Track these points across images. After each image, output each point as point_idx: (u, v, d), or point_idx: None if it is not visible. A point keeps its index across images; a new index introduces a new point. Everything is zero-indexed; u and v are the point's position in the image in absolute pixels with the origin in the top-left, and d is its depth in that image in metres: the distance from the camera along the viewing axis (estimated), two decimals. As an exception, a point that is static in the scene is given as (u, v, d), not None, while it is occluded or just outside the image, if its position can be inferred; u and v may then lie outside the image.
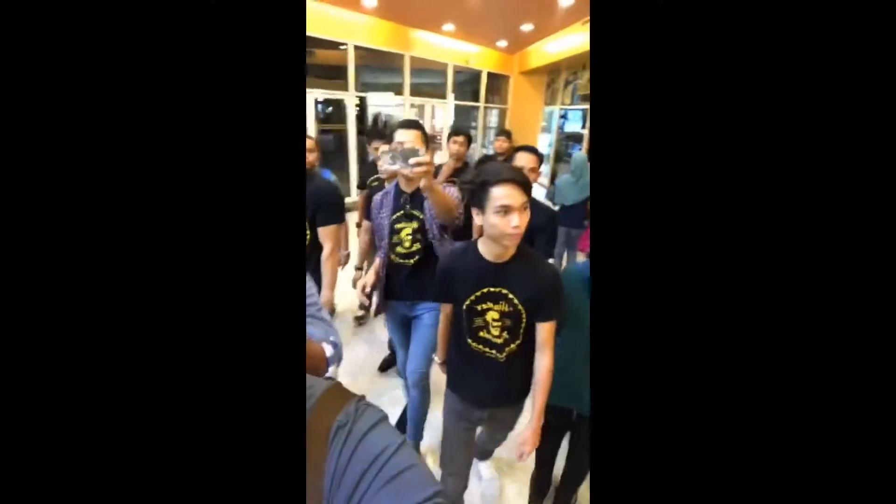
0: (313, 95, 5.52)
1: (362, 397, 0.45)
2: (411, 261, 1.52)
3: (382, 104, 6.71)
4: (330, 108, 6.12)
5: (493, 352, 1.16)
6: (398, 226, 1.50)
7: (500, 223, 0.98)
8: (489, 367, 1.17)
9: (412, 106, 7.06)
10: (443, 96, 7.60)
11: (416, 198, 1.47)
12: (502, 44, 7.51)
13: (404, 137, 1.36)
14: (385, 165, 1.18)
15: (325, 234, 1.66)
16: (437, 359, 1.40)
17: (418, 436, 1.78)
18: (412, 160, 1.17)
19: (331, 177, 2.38)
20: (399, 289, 1.57)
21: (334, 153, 6.02)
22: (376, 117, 6.70)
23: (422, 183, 1.23)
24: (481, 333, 1.15)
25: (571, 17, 5.32)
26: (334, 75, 5.80)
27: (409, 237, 1.50)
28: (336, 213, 1.70)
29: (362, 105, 6.27)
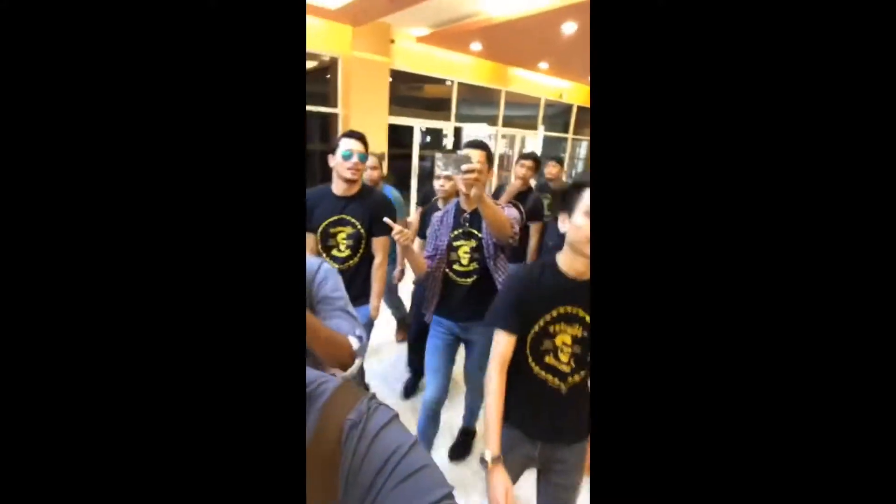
0: (418, 125, 6.25)
1: (373, 395, 0.46)
2: (469, 280, 1.53)
3: (476, 134, 7.31)
4: (429, 138, 6.82)
5: (556, 380, 1.07)
6: (457, 243, 1.52)
7: (588, 224, 0.93)
8: (547, 397, 1.08)
9: (503, 136, 7.57)
10: (533, 127, 8.02)
11: (476, 217, 1.48)
12: (595, 80, 7.80)
13: (466, 151, 1.37)
14: (438, 171, 1.21)
15: (377, 244, 1.72)
16: (486, 456, 1.22)
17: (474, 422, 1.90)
18: (464, 167, 1.19)
19: (392, 193, 2.49)
20: (453, 307, 1.58)
21: (429, 176, 6.67)
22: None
23: (473, 192, 1.23)
24: (547, 359, 1.06)
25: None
26: (437, 107, 6.51)
27: (467, 255, 1.51)
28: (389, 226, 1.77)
29: (458, 135, 6.89)
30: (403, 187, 5.95)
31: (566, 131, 8.73)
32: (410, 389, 2.40)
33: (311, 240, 1.70)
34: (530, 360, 1.07)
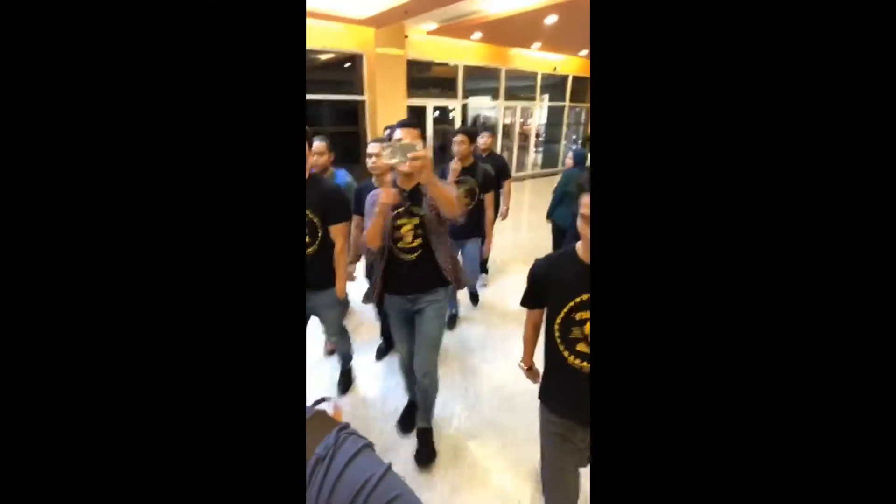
0: (430, 104, 7.31)
1: (345, 426, 0.45)
2: (413, 255, 1.57)
3: (481, 107, 8.32)
4: (437, 113, 7.85)
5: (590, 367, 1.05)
6: (399, 221, 1.53)
7: None
8: (585, 384, 1.04)
9: (506, 108, 8.57)
10: (532, 98, 8.98)
11: (416, 194, 1.50)
12: (584, 52, 8.69)
13: (402, 135, 1.40)
14: (385, 160, 1.24)
15: (335, 231, 1.77)
16: (521, 364, 1.32)
17: (430, 420, 1.83)
18: (410, 154, 1.22)
19: (347, 177, 2.49)
20: (401, 283, 1.62)
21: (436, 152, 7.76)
22: (475, 119, 8.34)
23: (422, 176, 1.28)
24: (579, 346, 1.04)
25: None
26: (446, 87, 7.54)
27: (410, 232, 1.54)
28: (344, 212, 1.80)
29: (464, 110, 7.91)
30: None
31: (564, 100, 9.65)
32: (383, 352, 2.55)
33: None
34: (563, 350, 1.07)
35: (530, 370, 1.32)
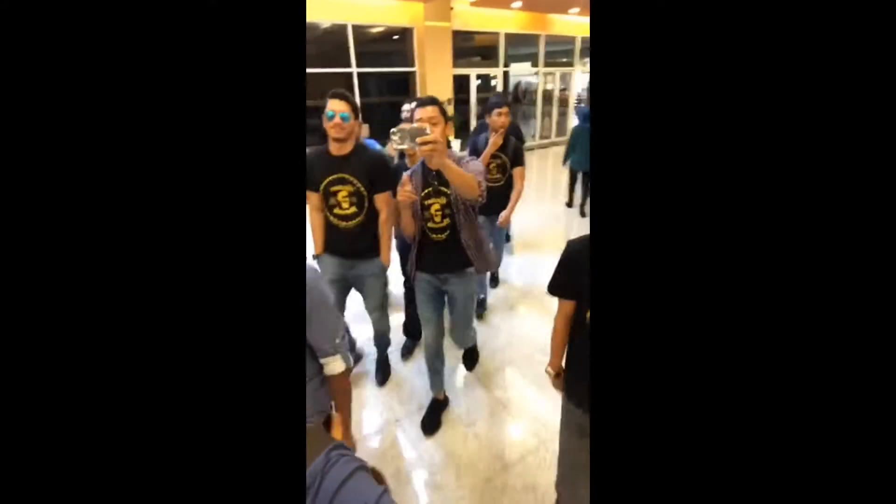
0: (474, 73, 7.80)
1: (337, 445, 0.43)
2: (443, 235, 1.59)
3: (521, 74, 8.69)
4: (479, 81, 8.30)
5: None
6: (428, 202, 1.55)
7: None
8: None
9: (546, 74, 8.89)
10: (570, 64, 9.23)
11: (443, 174, 1.45)
12: (626, 14, 8.80)
13: (420, 115, 1.39)
14: (394, 145, 1.22)
15: (380, 200, 1.77)
16: (549, 371, 1.24)
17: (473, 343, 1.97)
18: (419, 139, 1.20)
19: (376, 146, 2.43)
20: (431, 262, 1.65)
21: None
22: (517, 86, 8.74)
23: (433, 161, 1.24)
24: None
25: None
26: (488, 55, 7.98)
27: (439, 212, 1.55)
28: (388, 180, 1.77)
29: (506, 77, 8.32)
30: (465, 126, 7.64)
31: (603, 63, 9.82)
32: (408, 351, 2.45)
33: (314, 197, 1.76)
34: None
35: (558, 377, 1.21)
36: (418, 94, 6.99)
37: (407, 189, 1.39)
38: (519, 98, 8.89)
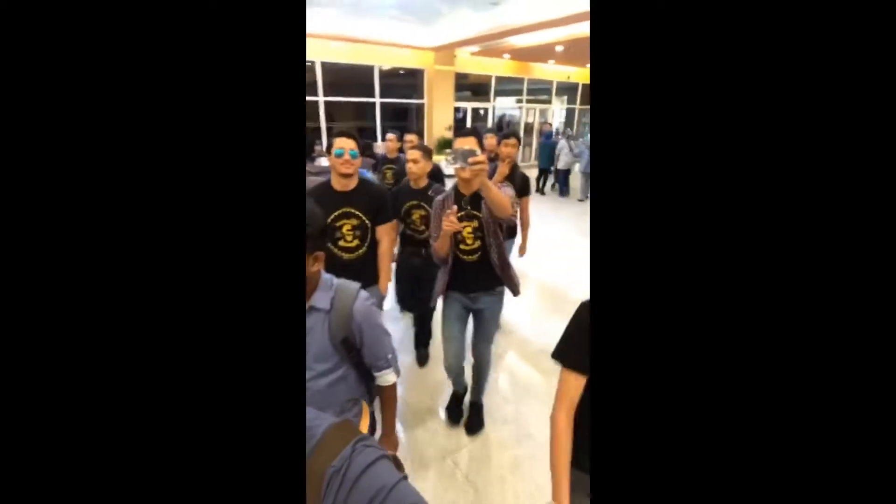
0: (469, 107, 9.65)
1: (363, 437, 0.45)
2: (474, 256, 1.70)
3: (506, 108, 10.57)
4: (470, 111, 10.13)
5: None
6: (461, 224, 1.60)
7: None
8: None
9: (528, 109, 10.80)
10: (548, 102, 11.23)
11: (474, 199, 1.63)
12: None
13: (461, 143, 1.51)
14: (449, 164, 1.33)
15: (382, 231, 1.85)
16: None
17: (481, 395, 2.08)
18: (471, 159, 1.34)
19: (367, 174, 2.53)
20: (463, 282, 1.76)
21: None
22: (501, 119, 10.60)
23: (477, 180, 1.40)
24: None
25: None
26: (480, 91, 9.86)
27: (471, 234, 1.66)
28: (389, 212, 1.88)
29: (493, 111, 10.17)
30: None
31: (575, 103, 11.85)
32: (423, 360, 2.59)
33: None
34: None
35: None
36: (426, 123, 8.84)
37: (453, 219, 1.50)
38: (503, 128, 10.73)
